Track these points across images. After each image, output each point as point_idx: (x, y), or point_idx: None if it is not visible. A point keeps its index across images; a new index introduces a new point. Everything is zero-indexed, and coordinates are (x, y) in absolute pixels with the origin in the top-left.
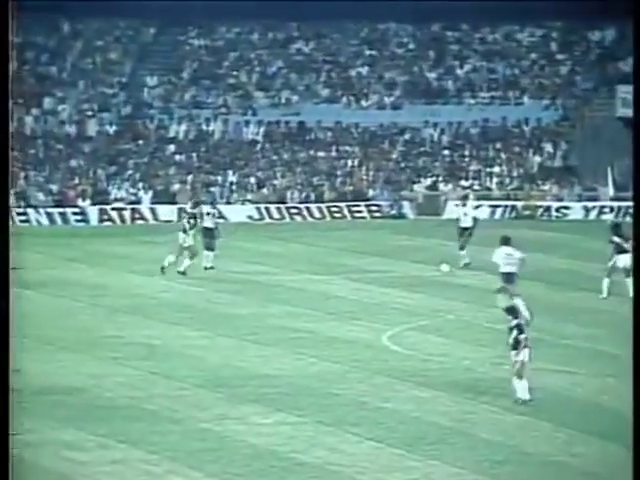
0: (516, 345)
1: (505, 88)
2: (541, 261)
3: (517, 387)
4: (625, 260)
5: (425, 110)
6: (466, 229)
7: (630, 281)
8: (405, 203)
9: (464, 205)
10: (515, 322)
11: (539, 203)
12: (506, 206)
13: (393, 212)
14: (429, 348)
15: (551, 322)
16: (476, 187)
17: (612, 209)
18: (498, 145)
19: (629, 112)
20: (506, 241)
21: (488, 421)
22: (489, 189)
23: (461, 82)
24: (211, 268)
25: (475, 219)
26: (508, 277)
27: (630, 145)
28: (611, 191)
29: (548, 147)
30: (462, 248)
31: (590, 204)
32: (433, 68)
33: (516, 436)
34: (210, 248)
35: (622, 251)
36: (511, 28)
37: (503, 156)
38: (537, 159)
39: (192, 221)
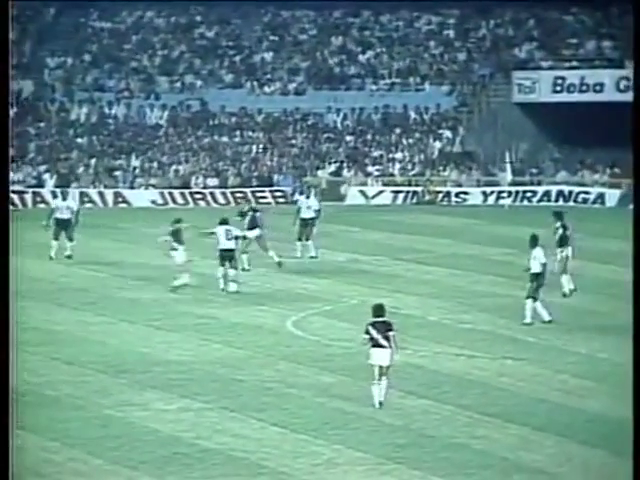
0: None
1: (405, 74)
2: (444, 246)
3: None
4: (568, 251)
5: (328, 96)
6: (307, 220)
7: (566, 278)
8: (308, 189)
9: (307, 197)
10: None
11: (439, 188)
12: (408, 192)
13: (297, 198)
14: (333, 333)
15: (453, 306)
16: (378, 173)
17: (510, 194)
18: (399, 131)
19: (525, 98)
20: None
21: (391, 405)
22: (392, 175)
23: (363, 68)
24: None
25: (317, 211)
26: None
27: (528, 130)
28: (509, 176)
29: (447, 133)
30: (303, 239)
31: (488, 189)
32: (335, 54)
33: (418, 420)
34: (69, 238)
35: (565, 244)
36: (410, 15)
37: (404, 142)
38: (437, 145)
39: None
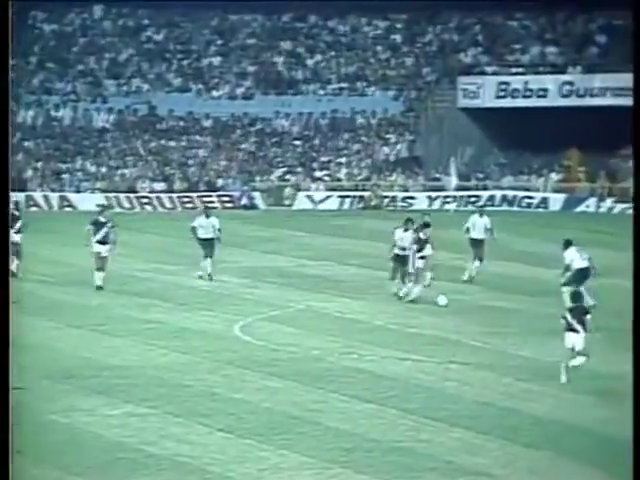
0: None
1: (353, 79)
2: (384, 250)
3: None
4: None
5: (276, 101)
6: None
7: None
8: (256, 194)
9: (207, 216)
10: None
11: (386, 193)
12: (355, 196)
13: (244, 202)
14: (280, 338)
15: (399, 311)
16: (326, 178)
17: (455, 198)
18: (346, 136)
19: (470, 103)
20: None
21: (336, 410)
22: (339, 180)
23: (311, 73)
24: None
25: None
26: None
27: (473, 135)
28: (454, 181)
29: (394, 138)
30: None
31: (434, 194)
32: (283, 59)
33: (363, 424)
34: None
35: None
36: (358, 20)
37: (352, 147)
38: (384, 150)
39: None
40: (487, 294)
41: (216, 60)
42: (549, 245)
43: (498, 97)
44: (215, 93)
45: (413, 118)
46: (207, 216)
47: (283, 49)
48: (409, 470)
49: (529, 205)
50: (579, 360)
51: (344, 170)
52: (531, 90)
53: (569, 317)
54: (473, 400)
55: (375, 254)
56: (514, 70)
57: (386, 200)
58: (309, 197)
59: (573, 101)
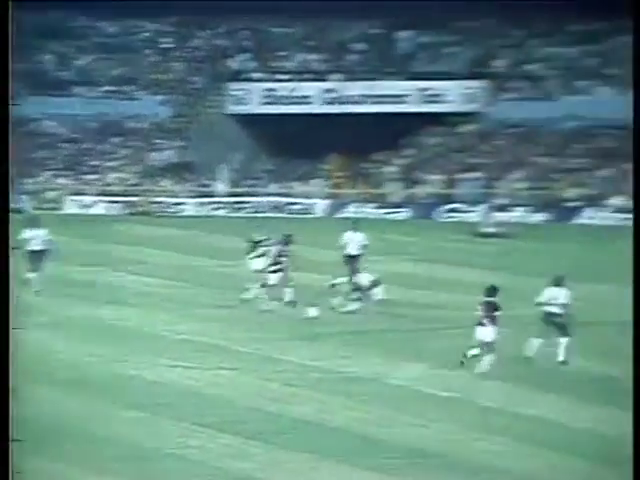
0: None
1: (122, 82)
2: (160, 257)
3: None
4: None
5: (44, 102)
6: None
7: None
8: (23, 197)
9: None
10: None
11: (156, 199)
12: (124, 202)
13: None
14: (51, 345)
15: (170, 318)
16: (95, 182)
17: (225, 204)
18: (116, 140)
19: (238, 109)
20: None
21: (102, 417)
22: (108, 184)
23: (79, 74)
24: None
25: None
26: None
27: (242, 141)
28: (225, 187)
29: (165, 143)
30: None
31: (204, 200)
32: (51, 59)
33: (134, 432)
34: None
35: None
36: (127, 22)
37: (121, 151)
38: (154, 155)
39: None
40: (253, 302)
41: None
42: (316, 250)
43: (265, 103)
44: None
45: (183, 123)
46: None
47: (51, 49)
48: (180, 477)
49: (296, 211)
50: (490, 357)
51: (114, 174)
52: (295, 97)
53: (480, 311)
54: (241, 405)
55: (145, 260)
56: (279, 77)
57: (156, 206)
58: (77, 201)
59: (335, 108)
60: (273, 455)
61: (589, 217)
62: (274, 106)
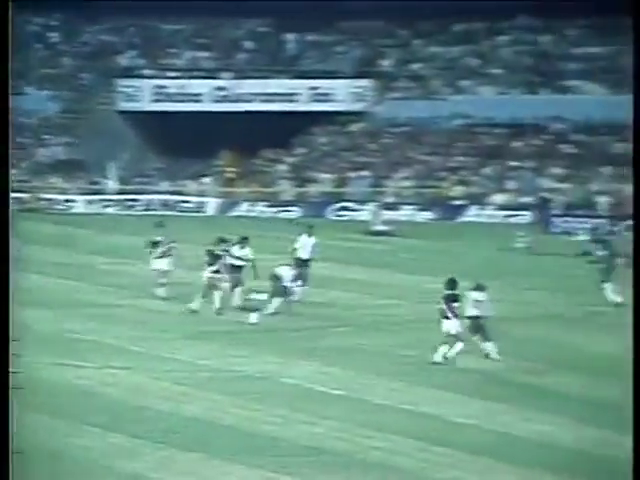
0: None
1: (11, 77)
2: (50, 255)
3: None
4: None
5: None
6: None
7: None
8: None
9: None
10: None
11: (45, 196)
12: (13, 198)
13: None
14: None
15: (59, 316)
16: None
17: (115, 202)
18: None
19: (129, 106)
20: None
21: None
22: None
23: None
24: None
25: None
26: None
27: (132, 138)
28: (114, 184)
29: (53, 139)
30: None
31: (94, 197)
32: None
33: (22, 431)
34: None
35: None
36: (23, 18)
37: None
38: (42, 151)
39: None
40: (143, 300)
41: None
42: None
43: (155, 101)
44: None
45: (72, 120)
46: None
47: None
48: (68, 476)
49: (186, 209)
50: (458, 347)
51: None
52: (186, 94)
53: (443, 304)
54: (131, 404)
55: (36, 259)
56: (170, 74)
57: (45, 203)
58: None
59: (226, 106)
60: (163, 454)
61: (475, 215)
62: (165, 103)
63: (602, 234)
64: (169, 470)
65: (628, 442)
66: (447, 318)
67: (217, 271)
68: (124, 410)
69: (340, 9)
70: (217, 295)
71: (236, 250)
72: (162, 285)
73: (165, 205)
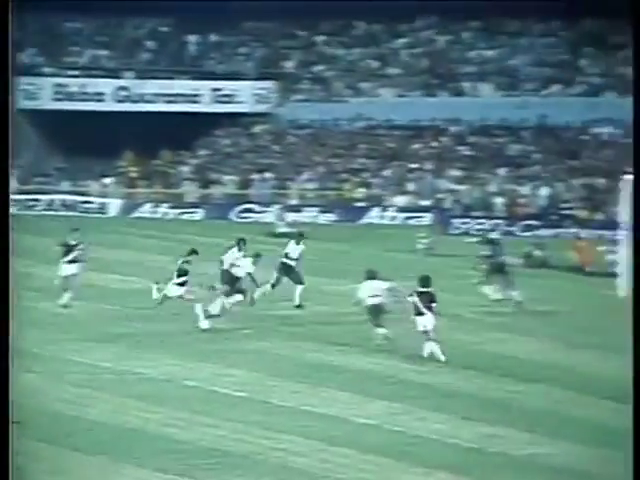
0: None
1: None
2: None
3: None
4: None
5: None
6: None
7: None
8: None
9: None
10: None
11: None
12: None
13: None
14: None
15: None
16: None
17: (16, 202)
18: None
19: (29, 104)
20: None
21: None
22: None
23: None
24: None
25: None
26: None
27: (33, 137)
28: (14, 184)
29: None
30: None
31: None
32: None
33: None
34: None
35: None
36: None
37: None
38: None
39: None
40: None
41: None
42: (111, 251)
43: (56, 99)
44: None
45: None
46: None
47: None
48: None
49: (88, 210)
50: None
51: None
52: (88, 93)
53: (417, 301)
54: (33, 408)
55: None
56: (70, 72)
57: None
58: None
59: (128, 106)
60: (66, 457)
61: (376, 217)
62: (66, 102)
63: (497, 235)
64: (71, 474)
65: (517, 436)
66: (422, 314)
67: (182, 284)
68: (25, 414)
69: (242, 10)
70: (198, 307)
71: (242, 261)
72: (67, 290)
73: (66, 206)
